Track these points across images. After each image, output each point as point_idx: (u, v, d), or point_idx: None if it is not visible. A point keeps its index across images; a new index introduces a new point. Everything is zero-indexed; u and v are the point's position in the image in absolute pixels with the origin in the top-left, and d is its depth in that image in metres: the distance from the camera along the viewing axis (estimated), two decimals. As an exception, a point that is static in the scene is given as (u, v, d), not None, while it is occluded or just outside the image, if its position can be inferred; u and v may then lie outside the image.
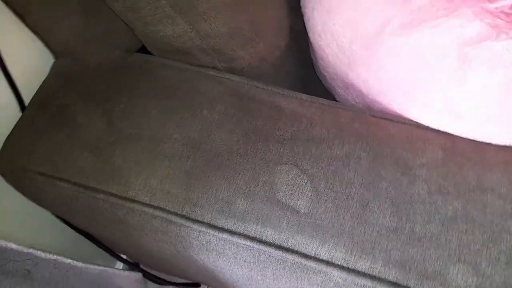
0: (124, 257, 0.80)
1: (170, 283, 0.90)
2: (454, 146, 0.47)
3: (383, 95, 0.51)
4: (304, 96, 0.53)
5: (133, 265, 0.85)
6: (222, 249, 0.46)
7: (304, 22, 0.59)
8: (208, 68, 0.55)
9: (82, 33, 0.51)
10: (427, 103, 0.48)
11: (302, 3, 0.57)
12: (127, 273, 0.80)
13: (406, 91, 0.48)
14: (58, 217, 0.62)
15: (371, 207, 0.44)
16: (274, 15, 0.56)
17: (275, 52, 0.58)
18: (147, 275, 0.87)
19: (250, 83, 0.54)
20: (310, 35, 0.58)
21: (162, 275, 0.89)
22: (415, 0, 0.45)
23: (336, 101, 0.65)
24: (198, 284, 0.97)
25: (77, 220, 0.54)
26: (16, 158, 0.51)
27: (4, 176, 0.53)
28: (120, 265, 0.96)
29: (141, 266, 0.88)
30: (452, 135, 0.49)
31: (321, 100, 0.53)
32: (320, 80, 0.69)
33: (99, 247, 0.72)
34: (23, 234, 0.58)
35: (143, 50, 0.59)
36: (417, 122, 0.51)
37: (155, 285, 0.92)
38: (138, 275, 0.85)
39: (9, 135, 0.52)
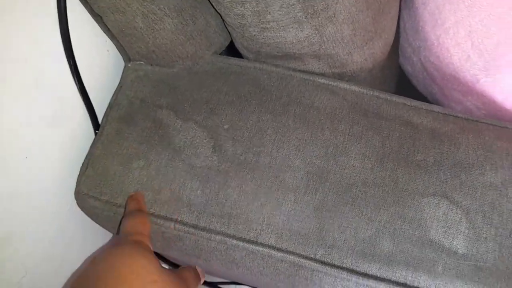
0: None
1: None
2: None
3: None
4: (435, 107, 0.45)
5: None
6: (361, 296, 0.40)
7: (409, 16, 0.51)
8: (315, 74, 0.47)
9: (179, 33, 0.42)
10: None
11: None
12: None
13: None
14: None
15: (540, 247, 0.38)
16: (392, 10, 0.47)
17: (385, 52, 0.50)
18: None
19: (369, 92, 0.46)
20: (429, 30, 0.49)
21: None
22: None
23: (434, 103, 0.58)
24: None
25: (170, 255, 0.47)
26: (103, 190, 0.42)
27: (85, 210, 0.45)
28: None
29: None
30: None
31: (452, 111, 0.45)
32: (411, 79, 0.61)
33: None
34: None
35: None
36: None
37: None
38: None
39: (90, 159, 0.44)
